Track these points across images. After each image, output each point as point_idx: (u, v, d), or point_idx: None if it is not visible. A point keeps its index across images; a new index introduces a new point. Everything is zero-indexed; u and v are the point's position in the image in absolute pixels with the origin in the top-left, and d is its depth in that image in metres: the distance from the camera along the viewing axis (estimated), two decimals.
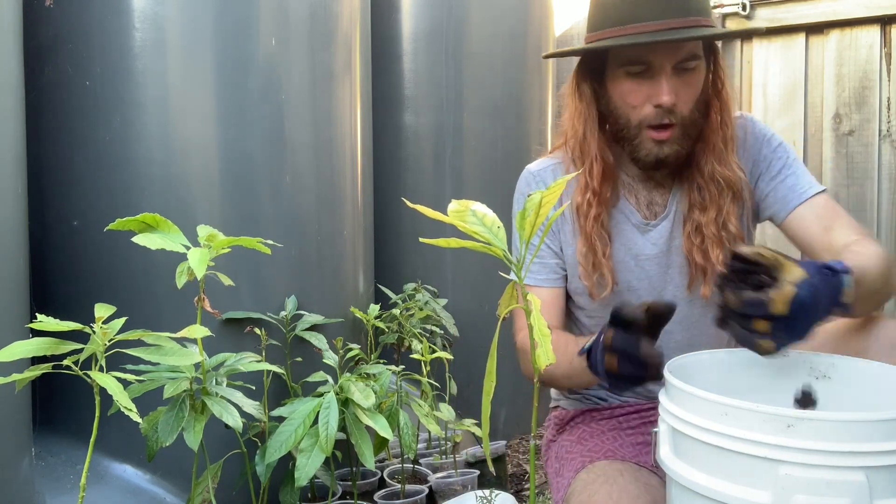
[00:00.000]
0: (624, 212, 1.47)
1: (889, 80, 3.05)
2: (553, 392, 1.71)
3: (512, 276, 0.98)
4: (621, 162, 1.47)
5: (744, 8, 3.20)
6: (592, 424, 1.55)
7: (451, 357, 1.90)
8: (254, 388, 1.40)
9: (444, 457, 1.97)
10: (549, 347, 0.82)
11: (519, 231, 0.91)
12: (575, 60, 1.47)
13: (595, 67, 1.42)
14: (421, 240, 0.90)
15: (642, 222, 1.47)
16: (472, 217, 0.90)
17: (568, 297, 1.57)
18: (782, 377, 1.16)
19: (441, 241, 0.88)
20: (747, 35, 3.29)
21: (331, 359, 1.63)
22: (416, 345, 1.95)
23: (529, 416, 1.06)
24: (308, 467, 1.33)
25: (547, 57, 1.44)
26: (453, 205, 0.92)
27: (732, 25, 3.25)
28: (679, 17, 1.30)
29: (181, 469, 1.53)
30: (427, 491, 1.76)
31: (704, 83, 1.40)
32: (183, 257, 1.14)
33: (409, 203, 0.89)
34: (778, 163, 1.45)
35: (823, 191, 1.44)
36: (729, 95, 1.42)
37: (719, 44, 1.49)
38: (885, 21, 3.02)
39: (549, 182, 1.47)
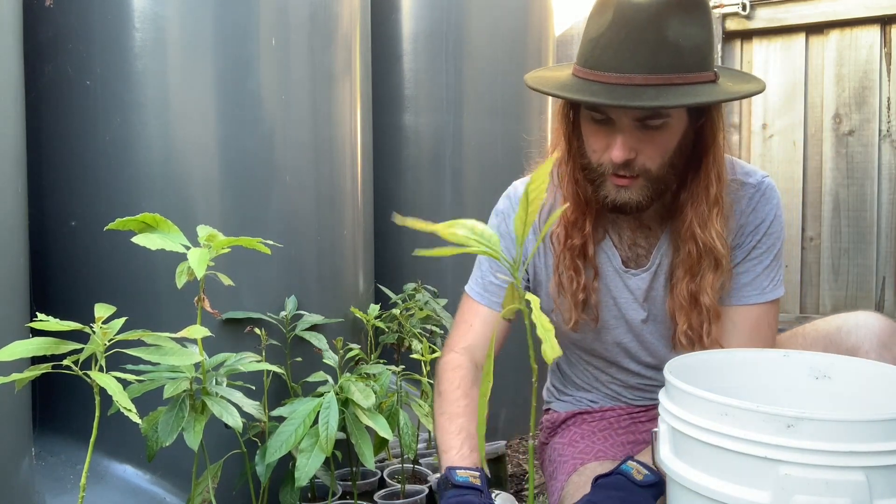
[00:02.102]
0: (606, 252, 1.42)
1: (889, 80, 3.05)
2: (545, 394, 1.71)
3: (505, 278, 0.98)
4: None
5: (744, 8, 3.20)
6: (584, 426, 1.55)
7: None
8: (254, 388, 1.40)
9: None
10: (554, 342, 0.82)
11: (515, 231, 0.91)
12: (573, 55, 1.44)
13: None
14: (418, 252, 0.88)
15: (622, 268, 1.43)
16: (461, 229, 0.89)
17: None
18: (782, 377, 1.16)
19: (437, 252, 0.87)
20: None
21: (331, 359, 1.63)
22: (416, 345, 1.95)
23: (529, 416, 1.06)
24: (308, 467, 1.33)
25: (531, 88, 1.36)
26: (441, 226, 0.90)
27: (732, 25, 3.25)
28: (646, 72, 1.18)
29: (181, 469, 1.53)
30: (427, 491, 1.76)
31: (691, 136, 1.30)
32: (183, 257, 1.14)
33: (399, 218, 0.87)
34: (759, 248, 1.38)
35: (773, 300, 1.39)
36: (721, 152, 1.31)
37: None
38: (885, 21, 3.02)
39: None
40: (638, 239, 1.43)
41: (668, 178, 1.30)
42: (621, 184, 1.27)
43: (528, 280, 1.49)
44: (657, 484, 1.17)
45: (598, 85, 1.21)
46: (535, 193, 0.87)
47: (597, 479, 1.22)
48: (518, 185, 1.51)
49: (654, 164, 1.26)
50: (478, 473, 1.21)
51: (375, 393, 1.46)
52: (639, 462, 1.21)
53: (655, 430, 1.08)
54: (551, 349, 0.81)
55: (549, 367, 1.68)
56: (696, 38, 1.20)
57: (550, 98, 2.66)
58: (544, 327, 0.82)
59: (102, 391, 0.97)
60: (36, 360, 1.05)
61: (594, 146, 1.29)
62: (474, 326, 1.46)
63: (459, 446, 1.27)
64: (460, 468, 1.22)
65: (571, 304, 1.40)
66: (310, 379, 1.62)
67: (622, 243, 1.43)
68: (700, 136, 1.31)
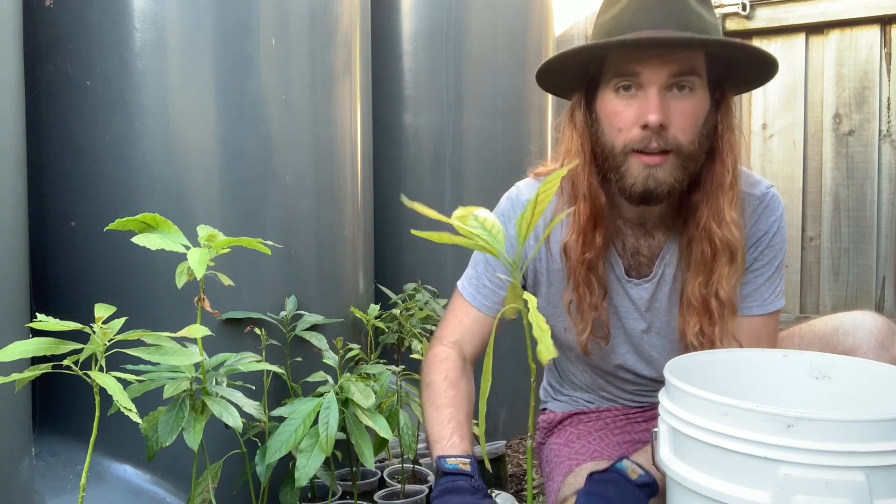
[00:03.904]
0: (609, 260, 1.40)
1: (889, 80, 3.05)
2: (541, 394, 1.71)
3: (506, 277, 0.98)
4: (614, 204, 1.36)
5: (744, 8, 3.20)
6: (580, 426, 1.55)
7: None
8: (254, 388, 1.40)
9: None
10: (550, 343, 0.81)
11: (517, 231, 0.91)
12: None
13: (589, 90, 1.32)
14: (412, 232, 0.89)
15: (624, 277, 1.40)
16: (473, 221, 0.90)
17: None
18: (782, 377, 1.16)
19: (433, 236, 0.87)
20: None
21: (331, 359, 1.63)
22: (416, 345, 1.95)
23: (528, 415, 1.06)
24: (308, 467, 1.33)
25: (544, 86, 1.37)
26: (458, 211, 0.91)
27: (732, 25, 3.25)
28: (678, 29, 1.19)
29: (181, 469, 1.53)
30: (427, 491, 1.76)
31: (710, 121, 1.28)
32: (183, 257, 1.14)
33: (406, 201, 0.88)
34: (761, 259, 1.38)
35: (774, 311, 1.39)
36: (737, 139, 1.30)
37: (735, 102, 1.38)
38: (885, 21, 3.02)
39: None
40: (641, 248, 1.40)
41: (698, 156, 1.27)
42: (652, 161, 1.22)
43: (526, 284, 1.47)
44: (651, 484, 1.17)
45: (637, 40, 1.19)
46: (544, 195, 0.87)
47: (591, 475, 1.22)
48: (521, 187, 1.48)
49: (685, 137, 1.23)
50: (468, 460, 1.22)
51: (375, 393, 1.46)
52: (634, 462, 1.21)
53: (655, 430, 1.08)
54: (546, 350, 0.81)
55: (546, 366, 1.68)
56: (712, 18, 1.26)
57: (551, 98, 2.66)
58: (540, 328, 0.82)
59: (102, 391, 0.97)
60: (36, 360, 1.05)
61: (621, 123, 1.24)
62: (464, 323, 1.46)
63: (449, 436, 1.29)
64: (450, 456, 1.24)
65: (587, 320, 1.37)
66: (310, 379, 1.62)
67: (625, 251, 1.41)
68: (715, 126, 1.30)
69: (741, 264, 1.32)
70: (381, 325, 1.93)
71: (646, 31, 1.19)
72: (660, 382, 1.08)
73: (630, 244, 1.40)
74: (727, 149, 1.29)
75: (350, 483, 1.71)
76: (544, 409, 1.67)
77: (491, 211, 0.95)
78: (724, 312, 1.31)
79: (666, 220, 1.38)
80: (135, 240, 1.10)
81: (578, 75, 1.33)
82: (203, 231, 1.20)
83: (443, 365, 1.40)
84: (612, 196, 1.35)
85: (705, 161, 1.30)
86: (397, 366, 1.78)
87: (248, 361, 1.34)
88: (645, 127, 1.21)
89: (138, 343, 1.05)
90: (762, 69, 1.30)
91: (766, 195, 1.38)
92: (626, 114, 1.23)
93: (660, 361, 1.43)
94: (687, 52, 1.21)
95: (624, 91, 1.24)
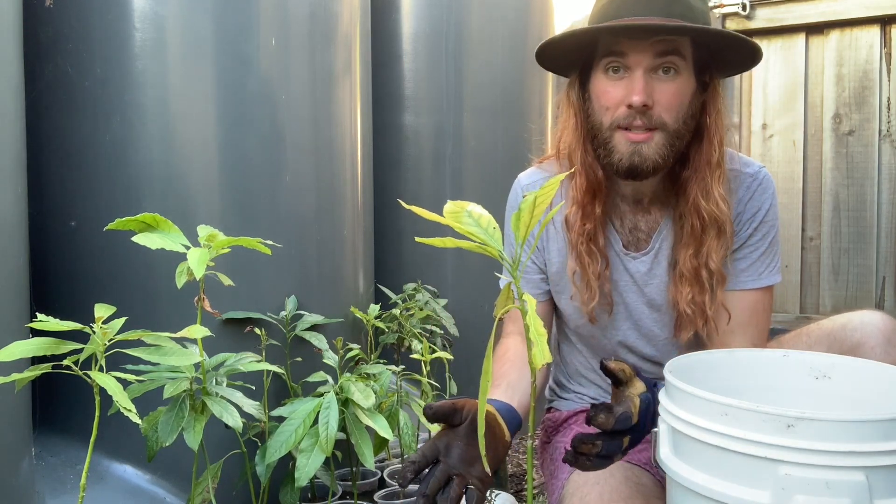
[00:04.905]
0: (608, 235, 1.44)
1: (889, 80, 3.05)
2: (547, 393, 1.71)
3: (505, 278, 0.98)
4: (613, 182, 1.42)
5: (744, 8, 3.20)
6: (585, 425, 1.55)
7: (451, 357, 1.90)
8: (254, 388, 1.40)
9: None
10: (545, 346, 0.81)
11: (514, 231, 0.91)
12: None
13: (584, 72, 1.39)
14: (417, 239, 0.89)
15: (622, 251, 1.45)
16: (467, 218, 0.90)
17: (558, 316, 1.57)
18: (782, 377, 1.16)
19: (436, 241, 0.87)
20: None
21: (331, 359, 1.63)
22: (416, 345, 1.95)
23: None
24: (308, 467, 1.33)
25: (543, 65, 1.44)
26: (449, 205, 0.91)
27: (732, 25, 3.25)
28: (663, 16, 1.27)
29: (181, 469, 1.53)
30: None
31: (696, 102, 1.34)
32: (183, 257, 1.14)
33: (404, 204, 0.89)
34: (755, 235, 1.42)
35: (769, 286, 1.43)
36: (723, 121, 1.37)
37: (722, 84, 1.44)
38: (885, 21, 3.02)
39: None
40: (639, 223, 1.45)
41: (683, 134, 1.33)
42: (638, 138, 1.29)
43: (545, 273, 1.51)
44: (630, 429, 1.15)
45: (620, 27, 1.27)
46: (542, 198, 0.87)
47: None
48: (521, 178, 1.54)
49: (670, 116, 1.30)
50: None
51: (375, 393, 1.47)
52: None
53: (655, 429, 1.08)
54: (541, 354, 0.81)
55: (553, 361, 1.69)
56: (702, 5, 1.31)
57: (551, 97, 2.66)
58: (537, 331, 0.82)
59: (102, 391, 0.97)
60: (36, 360, 1.05)
61: (608, 102, 1.32)
62: (510, 315, 1.48)
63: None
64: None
65: (593, 288, 1.41)
66: (310, 379, 1.62)
67: (623, 228, 1.45)
68: (704, 106, 1.37)
69: (729, 238, 1.39)
70: (381, 325, 1.93)
71: (631, 18, 1.28)
72: (662, 367, 1.08)
73: (628, 221, 1.45)
74: (714, 128, 1.36)
75: (350, 483, 1.71)
76: (550, 409, 1.68)
77: (486, 207, 0.95)
78: (713, 282, 1.37)
79: (661, 197, 1.43)
80: (135, 239, 1.10)
81: (574, 57, 1.40)
82: (203, 231, 1.20)
83: (502, 357, 1.43)
84: (608, 173, 1.40)
85: (694, 140, 1.37)
86: (397, 366, 1.78)
87: (248, 361, 1.34)
88: (630, 106, 1.29)
89: (138, 343, 1.05)
90: (745, 54, 1.36)
91: (759, 173, 1.44)
92: (614, 93, 1.31)
93: (660, 338, 1.47)
94: (670, 37, 1.28)
95: (613, 72, 1.32)
